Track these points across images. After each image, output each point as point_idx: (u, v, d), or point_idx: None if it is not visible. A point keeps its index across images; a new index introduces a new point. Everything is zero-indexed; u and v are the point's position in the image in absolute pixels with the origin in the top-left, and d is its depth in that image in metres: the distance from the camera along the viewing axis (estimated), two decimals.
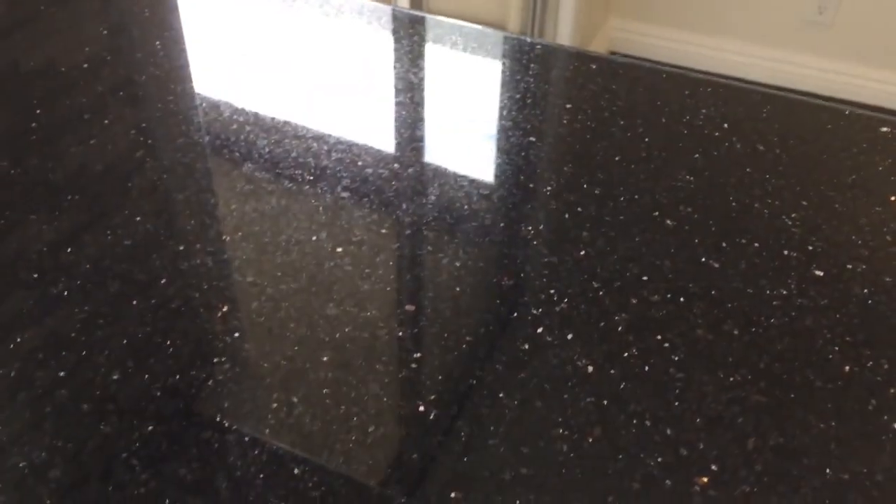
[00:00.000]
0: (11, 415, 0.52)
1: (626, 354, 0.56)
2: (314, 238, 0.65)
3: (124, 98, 0.81)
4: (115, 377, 0.54)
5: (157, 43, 0.90)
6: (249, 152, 0.74)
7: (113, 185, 0.70)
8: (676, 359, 0.56)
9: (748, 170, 0.73)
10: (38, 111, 0.79)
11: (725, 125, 0.78)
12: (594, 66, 0.87)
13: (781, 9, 2.44)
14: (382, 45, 0.91)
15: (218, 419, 0.52)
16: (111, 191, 0.70)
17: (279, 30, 0.93)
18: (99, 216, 0.67)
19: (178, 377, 0.55)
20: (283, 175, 0.71)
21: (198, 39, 0.91)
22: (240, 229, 0.66)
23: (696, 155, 0.74)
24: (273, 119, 0.78)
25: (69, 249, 0.64)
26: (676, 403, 0.53)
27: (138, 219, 0.67)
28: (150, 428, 0.51)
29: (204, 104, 0.81)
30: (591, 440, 0.51)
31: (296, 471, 0.49)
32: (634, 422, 0.52)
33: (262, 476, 0.49)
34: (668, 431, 0.51)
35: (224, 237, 0.65)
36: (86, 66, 0.85)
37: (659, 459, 0.50)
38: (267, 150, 0.74)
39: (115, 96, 0.81)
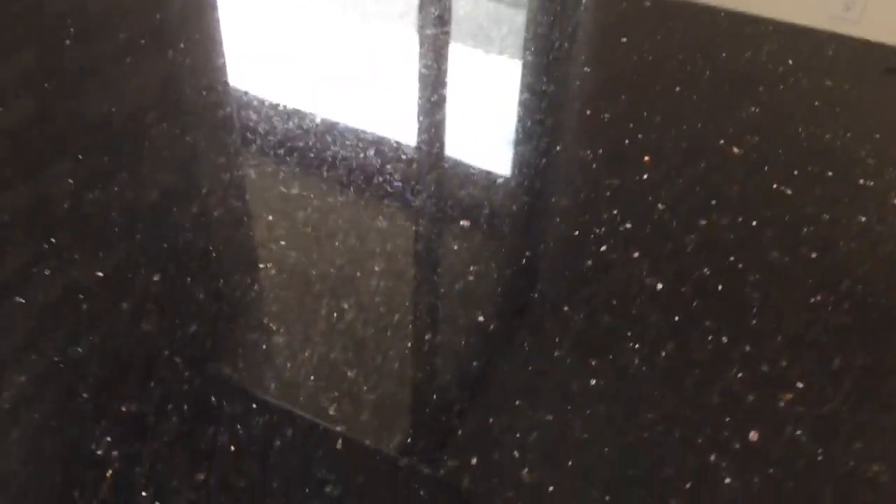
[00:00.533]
0: (45, 310, 0.49)
1: (696, 274, 0.53)
2: (361, 155, 0.62)
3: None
4: (155, 279, 0.51)
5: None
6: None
7: (154, 101, 0.67)
8: (751, 279, 0.52)
9: (816, 103, 0.69)
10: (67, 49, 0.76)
11: (790, 61, 0.74)
12: (648, 4, 0.83)
13: (807, 5, 2.39)
14: None
15: (265, 322, 0.49)
16: (152, 105, 0.67)
17: None
18: (137, 130, 0.64)
19: (221, 282, 0.52)
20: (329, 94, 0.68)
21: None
22: (284, 144, 0.63)
23: (761, 88, 0.70)
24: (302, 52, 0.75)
25: (106, 158, 0.61)
26: (754, 322, 0.50)
27: (177, 132, 0.63)
28: (194, 328, 0.48)
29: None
30: (664, 354, 0.47)
31: (349, 374, 0.46)
32: (710, 338, 0.48)
33: (312, 378, 0.45)
34: (748, 348, 0.48)
35: (268, 151, 0.62)
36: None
37: (739, 375, 0.46)
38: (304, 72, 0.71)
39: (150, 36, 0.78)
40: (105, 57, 0.73)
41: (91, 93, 0.68)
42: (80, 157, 0.61)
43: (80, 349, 0.46)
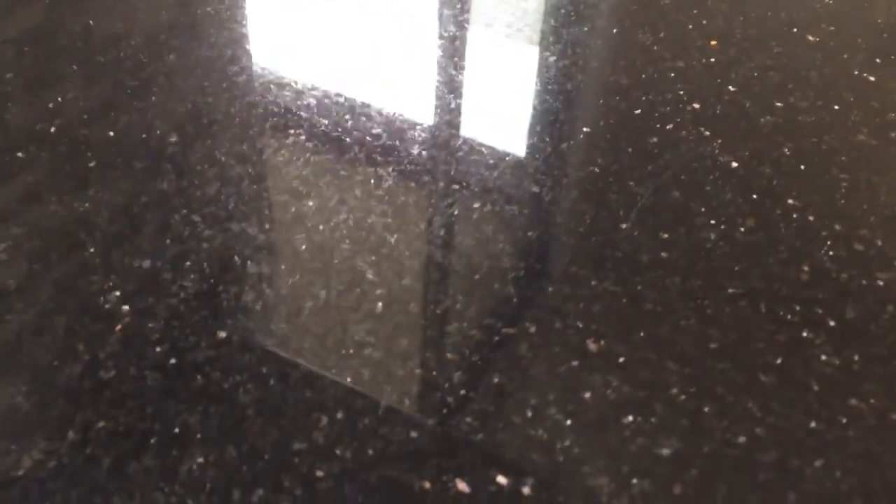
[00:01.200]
0: (53, 166, 0.44)
1: (775, 154, 0.47)
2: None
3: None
4: (172, 140, 0.46)
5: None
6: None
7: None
8: (837, 160, 0.47)
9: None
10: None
11: None
12: None
13: None
14: None
15: (295, 186, 0.44)
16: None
17: None
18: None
19: (244, 145, 0.46)
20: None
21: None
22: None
23: None
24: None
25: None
26: (843, 202, 0.44)
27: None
28: (215, 189, 0.43)
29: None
30: (742, 230, 0.42)
31: (390, 238, 0.41)
32: (794, 216, 0.43)
33: (348, 242, 0.40)
34: (837, 227, 0.42)
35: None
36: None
37: (830, 253, 0.41)
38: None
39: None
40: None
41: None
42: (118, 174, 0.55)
43: (87, 204, 0.41)
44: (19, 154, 0.45)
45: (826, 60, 0.55)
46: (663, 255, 0.40)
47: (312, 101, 0.50)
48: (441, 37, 0.56)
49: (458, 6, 0.60)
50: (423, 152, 0.46)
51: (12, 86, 0.50)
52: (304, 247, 0.40)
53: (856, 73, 0.54)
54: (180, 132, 0.47)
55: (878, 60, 0.56)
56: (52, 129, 0.46)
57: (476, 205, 0.43)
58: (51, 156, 0.45)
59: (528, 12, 0.60)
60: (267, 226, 0.41)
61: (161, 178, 0.43)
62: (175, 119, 0.48)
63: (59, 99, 0.49)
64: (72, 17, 0.56)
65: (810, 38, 0.58)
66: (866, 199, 0.44)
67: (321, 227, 0.41)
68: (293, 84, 0.51)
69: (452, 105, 0.50)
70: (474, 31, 0.57)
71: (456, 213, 0.42)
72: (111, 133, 0.46)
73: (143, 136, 0.46)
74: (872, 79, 0.54)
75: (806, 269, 0.40)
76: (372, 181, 0.44)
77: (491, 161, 0.46)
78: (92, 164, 0.44)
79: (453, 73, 0.53)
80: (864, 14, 0.61)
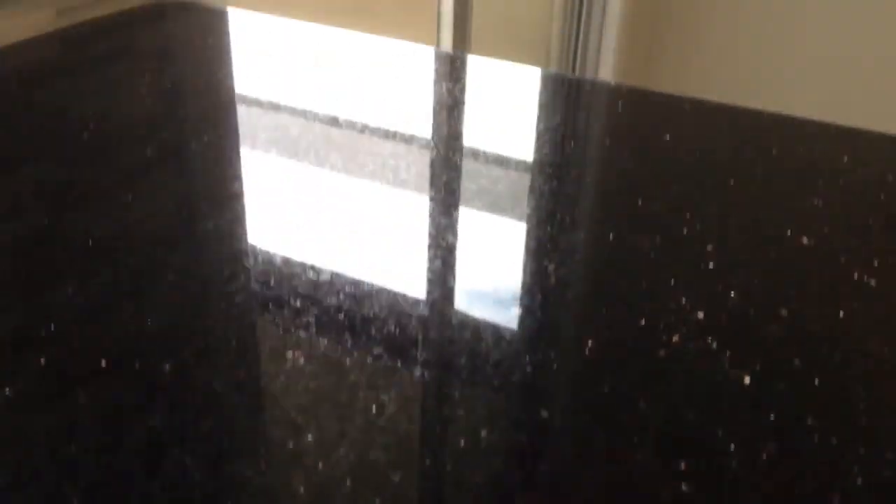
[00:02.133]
0: (34, 404, 0.42)
1: (787, 367, 0.46)
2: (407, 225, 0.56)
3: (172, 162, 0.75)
4: (165, 368, 0.45)
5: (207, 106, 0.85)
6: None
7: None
8: (853, 373, 0.45)
9: (882, 196, 0.64)
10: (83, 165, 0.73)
11: (845, 158, 0.70)
12: (687, 108, 0.81)
13: (829, 101, 2.41)
14: (427, 83, 0.86)
15: (293, 416, 0.42)
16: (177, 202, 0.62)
17: (324, 69, 0.89)
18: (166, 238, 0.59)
19: (241, 372, 0.45)
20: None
21: (246, 82, 0.86)
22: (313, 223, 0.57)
23: (820, 182, 0.66)
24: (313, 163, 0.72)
25: (137, 264, 0.55)
26: (864, 419, 0.42)
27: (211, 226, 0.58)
28: (209, 424, 0.41)
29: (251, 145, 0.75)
30: (765, 457, 0.40)
31: (393, 477, 0.38)
32: (816, 438, 0.41)
33: (349, 481, 0.38)
34: (862, 450, 0.40)
35: (293, 231, 0.57)
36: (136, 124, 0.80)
37: (858, 482, 0.39)
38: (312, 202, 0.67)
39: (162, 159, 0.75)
40: (125, 171, 0.69)
41: (105, 207, 0.64)
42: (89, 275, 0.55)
43: (71, 447, 0.39)
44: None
45: (824, 264, 0.56)
46: (684, 488, 0.38)
47: (311, 320, 0.49)
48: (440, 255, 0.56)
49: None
50: (426, 373, 0.45)
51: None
52: (302, 489, 0.37)
53: (855, 276, 0.54)
54: (175, 358, 0.45)
55: (876, 262, 0.56)
56: (41, 341, 0.45)
57: (483, 433, 0.41)
58: (34, 382, 0.43)
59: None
60: (262, 466, 0.39)
61: (152, 412, 0.42)
62: (169, 345, 0.46)
63: (48, 314, 0.48)
64: (71, 223, 0.56)
65: (805, 240, 0.58)
66: (889, 415, 0.43)
67: (320, 466, 0.39)
68: (291, 302, 0.50)
69: (454, 321, 0.49)
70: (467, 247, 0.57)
71: (462, 444, 0.40)
72: (102, 363, 0.45)
73: (136, 365, 0.45)
74: (873, 283, 0.54)
75: (837, 501, 0.38)
76: (374, 408, 0.42)
77: (496, 383, 0.44)
78: (81, 403, 0.42)
79: (452, 287, 0.52)
80: (854, 214, 0.62)
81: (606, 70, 1.94)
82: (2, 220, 0.59)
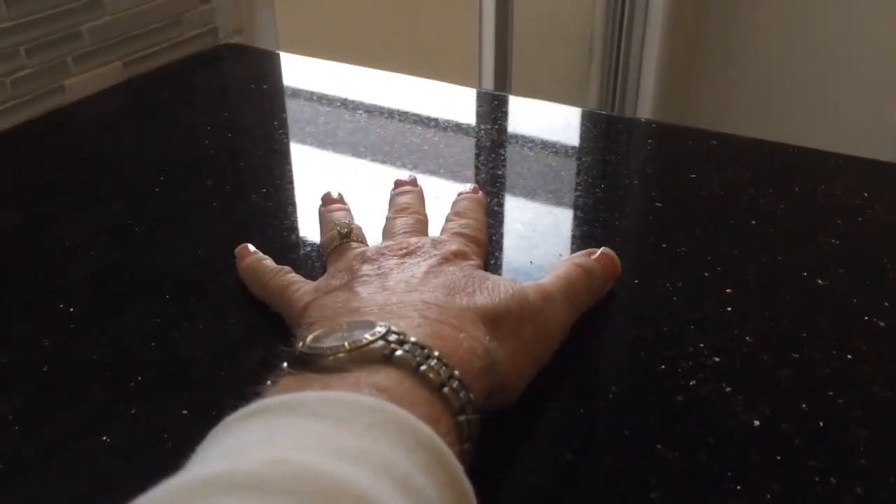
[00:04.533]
0: (125, 451, 0.49)
1: (795, 410, 0.50)
2: None
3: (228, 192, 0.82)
4: None
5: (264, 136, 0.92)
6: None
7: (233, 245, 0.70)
8: (854, 416, 0.50)
9: None
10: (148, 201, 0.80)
11: (865, 194, 0.74)
12: (714, 143, 0.85)
13: (856, 147, 2.41)
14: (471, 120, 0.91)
15: None
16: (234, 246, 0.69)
17: (364, 109, 0.95)
18: (213, 276, 0.66)
19: None
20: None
21: (293, 125, 0.93)
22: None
23: (839, 221, 0.70)
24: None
25: (192, 300, 0.62)
26: (863, 462, 0.47)
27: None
28: None
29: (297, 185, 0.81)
30: (769, 496, 0.45)
31: None
32: (817, 479, 0.46)
33: None
34: (859, 490, 0.45)
35: None
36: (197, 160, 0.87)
37: None
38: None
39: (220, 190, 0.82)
40: (190, 204, 0.76)
41: (178, 236, 0.71)
42: (158, 302, 0.62)
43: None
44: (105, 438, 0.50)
45: (836, 306, 0.60)
46: None
47: None
48: None
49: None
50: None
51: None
52: None
53: (865, 318, 0.58)
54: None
55: (886, 304, 0.59)
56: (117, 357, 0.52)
57: (515, 475, 0.47)
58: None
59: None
60: None
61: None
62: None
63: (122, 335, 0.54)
64: (140, 256, 0.63)
65: (820, 281, 0.62)
66: (885, 457, 0.47)
67: None
68: None
69: None
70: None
71: (487, 485, 0.46)
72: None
73: None
74: (882, 324, 0.57)
75: None
76: None
77: (525, 428, 0.50)
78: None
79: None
80: (870, 255, 0.65)
81: (644, 111, 1.98)
82: (78, 254, 0.67)
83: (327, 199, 0.68)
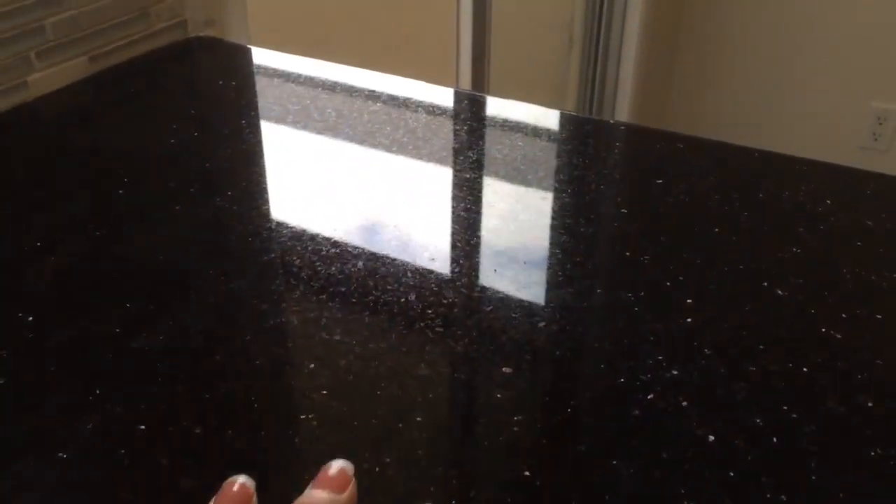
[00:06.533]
0: (83, 464, 0.48)
1: (749, 425, 0.51)
2: (402, 299, 0.62)
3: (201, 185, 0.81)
4: (197, 431, 0.51)
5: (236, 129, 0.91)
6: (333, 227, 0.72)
7: (196, 249, 0.69)
8: (807, 430, 0.50)
9: (859, 243, 0.68)
10: (119, 194, 0.79)
11: (828, 201, 0.74)
12: (681, 146, 0.85)
13: (836, 134, 2.42)
14: (449, 125, 0.91)
15: (305, 478, 0.48)
16: (197, 251, 0.69)
17: (343, 113, 0.94)
18: (182, 276, 0.66)
19: (262, 433, 0.51)
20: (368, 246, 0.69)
21: (271, 125, 0.92)
22: (326, 289, 0.63)
23: (801, 229, 0.70)
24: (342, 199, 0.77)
25: (151, 306, 0.62)
26: (814, 478, 0.47)
27: (222, 278, 0.65)
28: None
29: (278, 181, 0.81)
30: None
31: None
32: (768, 496, 0.46)
33: None
34: None
35: (310, 297, 0.63)
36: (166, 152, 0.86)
37: None
38: (338, 232, 0.73)
39: (190, 185, 0.81)
40: (155, 203, 0.76)
41: (139, 238, 0.70)
42: (126, 304, 0.62)
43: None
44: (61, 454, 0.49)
45: (795, 317, 0.60)
46: None
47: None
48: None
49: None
50: (422, 434, 0.50)
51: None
52: None
53: (823, 330, 0.59)
54: (204, 424, 0.51)
55: (843, 315, 0.60)
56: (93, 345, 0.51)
57: (472, 493, 0.47)
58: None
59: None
60: None
61: (185, 473, 0.48)
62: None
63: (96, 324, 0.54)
64: (109, 248, 0.63)
65: (779, 292, 0.63)
66: (835, 474, 0.48)
67: None
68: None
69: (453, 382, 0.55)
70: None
71: (448, 502, 0.46)
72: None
73: None
74: (839, 336, 0.58)
75: None
76: (377, 469, 0.48)
77: (486, 443, 0.50)
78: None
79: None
80: (830, 265, 0.66)
81: (622, 113, 1.98)
82: (44, 250, 0.66)
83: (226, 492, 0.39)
